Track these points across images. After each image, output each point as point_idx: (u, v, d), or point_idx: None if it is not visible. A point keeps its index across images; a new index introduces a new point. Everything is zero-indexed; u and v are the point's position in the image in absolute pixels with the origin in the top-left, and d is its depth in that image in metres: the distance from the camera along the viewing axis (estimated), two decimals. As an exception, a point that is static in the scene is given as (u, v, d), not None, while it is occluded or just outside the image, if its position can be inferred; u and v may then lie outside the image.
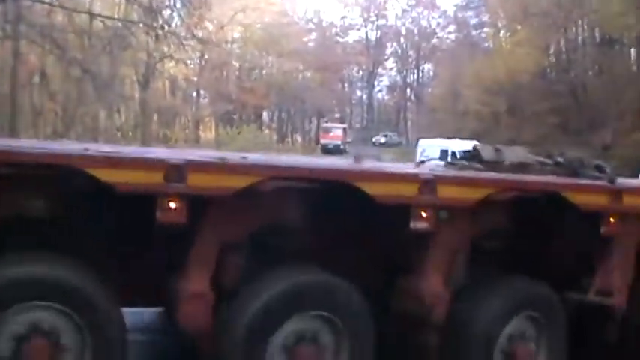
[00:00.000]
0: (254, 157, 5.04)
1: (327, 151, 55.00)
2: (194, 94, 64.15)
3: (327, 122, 68.08)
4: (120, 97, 44.46)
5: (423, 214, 4.47)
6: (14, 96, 33.21)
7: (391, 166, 5.96)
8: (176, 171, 3.90)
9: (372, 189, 4.30)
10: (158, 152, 4.77)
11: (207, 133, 64.57)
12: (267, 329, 4.21)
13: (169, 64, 52.09)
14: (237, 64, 65.88)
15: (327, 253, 4.62)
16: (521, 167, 5.70)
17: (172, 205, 3.91)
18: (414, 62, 75.61)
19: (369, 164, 5.32)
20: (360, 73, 77.47)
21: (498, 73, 47.89)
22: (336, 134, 59.91)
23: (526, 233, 5.14)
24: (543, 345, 5.01)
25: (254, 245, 4.47)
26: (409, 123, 74.06)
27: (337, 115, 74.36)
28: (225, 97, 60.84)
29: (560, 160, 5.80)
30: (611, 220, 5.06)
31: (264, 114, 71.71)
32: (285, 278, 4.30)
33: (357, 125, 76.92)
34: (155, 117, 57.40)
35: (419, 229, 4.49)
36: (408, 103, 75.98)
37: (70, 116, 42.24)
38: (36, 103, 41.02)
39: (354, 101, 79.49)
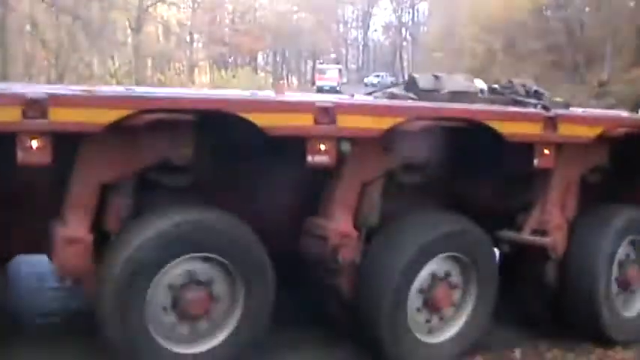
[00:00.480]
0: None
1: (323, 92, 53.98)
2: (187, 38, 62.78)
3: (322, 63, 66.41)
4: (112, 43, 43.48)
5: (322, 147, 3.91)
6: (5, 45, 32.37)
7: (292, 95, 5.32)
8: (36, 106, 3.40)
9: (261, 120, 3.74)
10: (17, 87, 4.20)
11: (203, 78, 63.41)
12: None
13: (162, 8, 50.76)
14: (230, 7, 64.34)
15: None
16: (459, 96, 5.16)
17: (34, 143, 3.42)
18: (408, 1, 73.86)
19: (263, 94, 4.71)
20: (355, 13, 75.91)
21: (494, 11, 46.51)
22: (331, 75, 58.52)
23: (450, 165, 4.60)
24: (470, 287, 4.52)
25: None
26: (405, 63, 72.78)
27: (333, 56, 72.81)
28: (219, 40, 59.59)
29: (497, 87, 5.24)
30: (546, 151, 4.49)
31: (259, 57, 70.46)
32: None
33: (353, 66, 75.68)
34: (149, 62, 56.31)
35: (316, 163, 3.94)
36: (404, 43, 74.51)
37: (62, 64, 41.40)
38: (28, 52, 40.16)
39: (349, 42, 78.05)
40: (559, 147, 4.59)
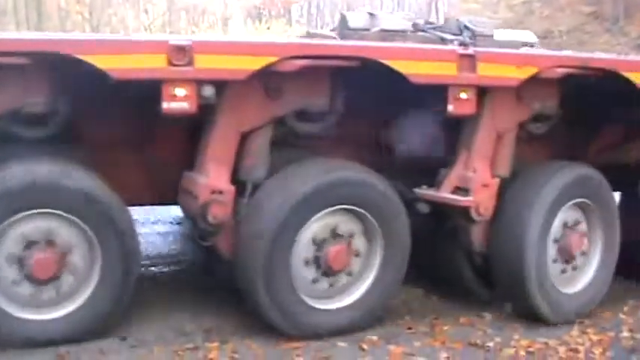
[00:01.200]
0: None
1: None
2: (221, -10, 61.93)
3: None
4: (146, -4, 43.07)
5: (178, 92, 3.31)
6: (40, 1, 32.18)
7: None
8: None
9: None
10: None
11: (236, 30, 62.69)
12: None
13: (195, -40, 49.87)
14: (264, -42, 63.00)
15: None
16: (391, 35, 4.52)
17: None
18: (446, -49, 71.19)
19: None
20: (391, -37, 73.62)
21: (532, -40, 44.51)
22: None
23: (358, 112, 4.01)
24: (376, 250, 3.96)
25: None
26: (440, 13, 70.50)
27: (367, 8, 70.77)
28: (253, -8, 58.59)
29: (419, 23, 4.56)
30: (462, 95, 3.83)
31: (294, 8, 69.08)
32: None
33: (388, 18, 73.68)
34: (183, 15, 55.81)
35: (173, 111, 3.36)
36: (440, -6, 72.09)
37: (96, 18, 41.25)
38: (62, 7, 40.08)
39: (384, -7, 75.97)
40: (482, 91, 3.94)
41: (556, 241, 4.29)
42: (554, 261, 4.31)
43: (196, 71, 3.35)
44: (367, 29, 4.60)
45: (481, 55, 3.88)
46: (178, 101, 3.35)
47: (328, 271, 3.84)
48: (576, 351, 3.97)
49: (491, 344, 3.97)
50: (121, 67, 3.25)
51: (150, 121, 3.79)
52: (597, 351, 3.98)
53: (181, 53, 3.31)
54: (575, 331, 4.27)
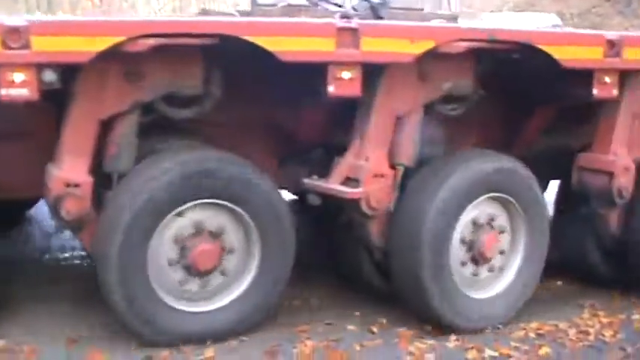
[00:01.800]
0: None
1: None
2: (232, -27, 61.49)
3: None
4: (156, -19, 42.92)
5: (16, 78, 2.94)
6: (50, -14, 32.07)
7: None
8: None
9: None
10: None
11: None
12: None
13: (204, -59, 49.42)
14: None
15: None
16: (296, 10, 4.22)
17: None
18: None
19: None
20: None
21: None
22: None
23: (239, 95, 3.71)
24: (252, 247, 3.66)
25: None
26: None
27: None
28: (263, -26, 58.13)
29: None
30: (344, 74, 3.47)
31: (306, -9, 68.56)
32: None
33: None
34: (194, 0, 55.59)
35: (13, 98, 3.01)
36: (451, -26, 70.70)
37: (107, 3, 41.15)
38: (73, -7, 40.00)
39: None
40: (370, 69, 3.60)
41: (464, 240, 3.92)
42: (463, 263, 3.94)
43: (34, 54, 3.02)
44: (274, 5, 4.33)
45: (366, 28, 3.51)
46: (17, 87, 3.02)
47: (195, 272, 3.54)
48: (587, 333, 4.00)
49: (500, 326, 3.98)
50: None
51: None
52: (608, 333, 4.00)
53: (16, 35, 3.00)
54: (585, 313, 4.30)
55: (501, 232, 4.05)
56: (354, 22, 3.52)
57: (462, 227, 3.87)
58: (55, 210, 3.39)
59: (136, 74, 3.38)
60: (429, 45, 3.58)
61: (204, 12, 4.59)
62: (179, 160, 3.48)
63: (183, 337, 3.50)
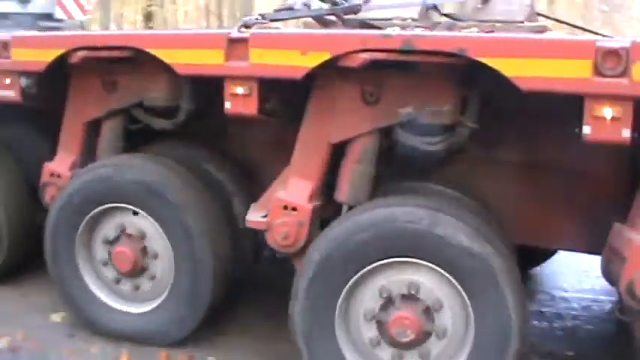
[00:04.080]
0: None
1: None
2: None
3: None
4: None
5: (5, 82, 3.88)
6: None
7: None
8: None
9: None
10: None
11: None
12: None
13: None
14: None
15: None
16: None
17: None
18: None
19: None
20: None
21: None
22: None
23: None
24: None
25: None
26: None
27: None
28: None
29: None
30: (238, 89, 3.18)
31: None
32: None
33: None
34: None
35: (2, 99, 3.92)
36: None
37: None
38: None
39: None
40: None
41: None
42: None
43: (13, 63, 3.84)
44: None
45: (255, 38, 3.12)
46: (5, 89, 3.90)
47: (123, 273, 3.73)
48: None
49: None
50: None
51: None
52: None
53: (5, 47, 3.87)
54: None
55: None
56: (249, 32, 3.18)
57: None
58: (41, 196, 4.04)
59: (110, 84, 3.88)
60: (323, 57, 2.96)
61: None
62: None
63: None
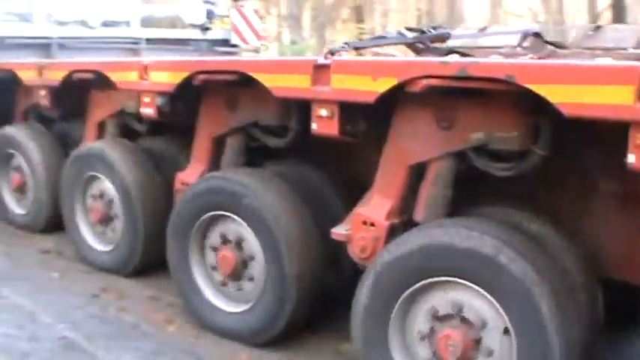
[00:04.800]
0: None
1: None
2: None
3: None
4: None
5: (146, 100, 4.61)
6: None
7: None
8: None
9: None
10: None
11: None
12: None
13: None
14: None
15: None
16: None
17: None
18: None
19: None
20: None
21: None
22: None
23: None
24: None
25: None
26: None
27: None
28: None
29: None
30: (322, 112, 3.52)
31: None
32: None
33: None
34: None
35: (146, 115, 4.66)
36: None
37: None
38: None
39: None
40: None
41: None
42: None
43: (151, 84, 4.53)
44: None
45: (336, 65, 3.42)
46: (146, 107, 4.61)
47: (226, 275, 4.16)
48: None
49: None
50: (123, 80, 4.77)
51: None
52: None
53: (145, 71, 4.55)
54: None
55: None
56: (331, 59, 3.49)
57: None
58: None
59: (231, 104, 4.36)
60: (391, 82, 3.21)
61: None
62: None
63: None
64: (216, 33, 9.00)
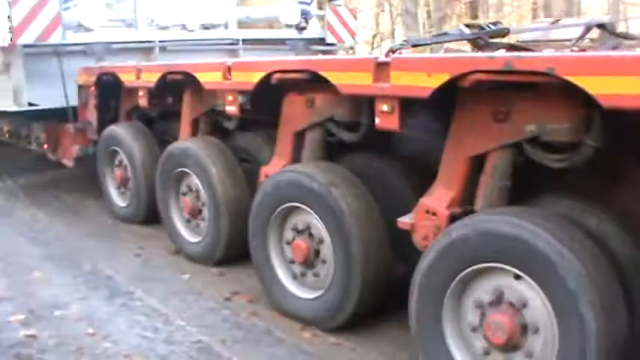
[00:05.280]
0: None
1: None
2: None
3: None
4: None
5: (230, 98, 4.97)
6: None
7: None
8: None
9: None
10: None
11: None
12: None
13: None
14: None
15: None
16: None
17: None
18: None
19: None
20: None
21: None
22: None
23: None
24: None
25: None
26: None
27: None
28: None
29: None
30: (384, 107, 3.76)
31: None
32: None
33: None
34: None
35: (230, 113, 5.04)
36: None
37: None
38: None
39: None
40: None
41: None
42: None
43: (233, 84, 4.89)
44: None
45: (395, 62, 3.62)
46: (230, 105, 4.99)
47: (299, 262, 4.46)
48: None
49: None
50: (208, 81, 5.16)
51: None
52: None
53: (229, 71, 4.92)
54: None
55: None
56: (390, 57, 3.70)
57: None
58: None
59: (310, 101, 4.64)
60: (444, 78, 3.39)
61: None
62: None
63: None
64: (311, 32, 9.33)
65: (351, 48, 9.58)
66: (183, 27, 8.35)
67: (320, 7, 9.54)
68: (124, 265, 5.62)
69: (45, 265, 5.67)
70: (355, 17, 9.69)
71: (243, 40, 8.72)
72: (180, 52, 8.11)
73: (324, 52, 8.92)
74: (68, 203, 7.86)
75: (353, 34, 9.48)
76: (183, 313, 4.63)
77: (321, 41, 9.28)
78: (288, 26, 9.14)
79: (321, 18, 9.39)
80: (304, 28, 9.19)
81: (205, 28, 8.60)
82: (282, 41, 9.06)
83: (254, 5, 9.56)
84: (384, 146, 4.59)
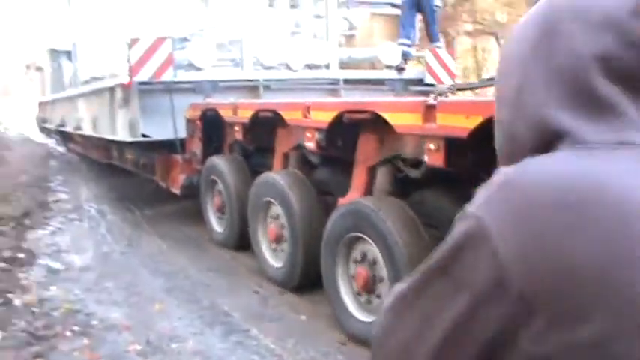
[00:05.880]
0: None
1: None
2: None
3: None
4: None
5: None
6: None
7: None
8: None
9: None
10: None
11: None
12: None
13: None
14: None
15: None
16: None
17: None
18: None
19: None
20: None
21: None
22: None
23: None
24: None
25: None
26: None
27: None
28: None
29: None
30: (431, 146, 4.18)
31: None
32: None
33: None
34: None
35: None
36: None
37: None
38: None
39: None
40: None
41: None
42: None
43: (311, 122, 5.46)
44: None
45: (441, 104, 4.04)
46: (308, 141, 5.55)
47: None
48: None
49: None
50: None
51: None
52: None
53: (307, 110, 5.48)
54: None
55: None
56: (438, 100, 4.13)
57: None
58: None
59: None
60: (477, 120, 3.79)
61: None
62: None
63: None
64: (411, 72, 9.83)
65: (451, 89, 9.99)
66: (287, 67, 9.05)
67: (420, 49, 10.01)
68: (241, 302, 5.79)
69: (165, 297, 5.95)
70: (455, 59, 10.10)
71: (345, 80, 9.32)
72: (284, 91, 8.77)
73: (421, 93, 9.39)
74: (190, 235, 8.34)
75: (453, 76, 9.88)
76: (297, 354, 4.70)
77: (420, 82, 9.75)
78: (389, 67, 9.68)
79: (420, 59, 9.87)
80: (403, 69, 9.71)
81: (308, 67, 9.27)
82: (381, 81, 9.59)
83: (357, 46, 10.18)
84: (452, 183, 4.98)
